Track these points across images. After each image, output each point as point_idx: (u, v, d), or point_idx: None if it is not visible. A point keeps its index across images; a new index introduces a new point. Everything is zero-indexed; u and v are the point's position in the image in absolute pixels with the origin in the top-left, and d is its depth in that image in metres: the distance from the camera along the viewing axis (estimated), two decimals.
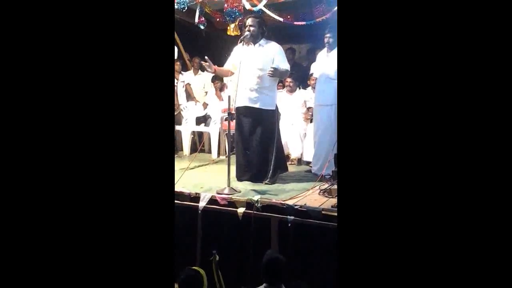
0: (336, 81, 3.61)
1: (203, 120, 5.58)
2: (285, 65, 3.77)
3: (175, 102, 5.54)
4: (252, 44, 3.80)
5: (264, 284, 2.40)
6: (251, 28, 3.75)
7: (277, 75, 3.73)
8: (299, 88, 5.18)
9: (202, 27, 5.19)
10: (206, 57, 3.72)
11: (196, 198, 3.42)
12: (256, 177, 3.79)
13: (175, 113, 5.38)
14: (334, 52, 4.01)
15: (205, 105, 5.76)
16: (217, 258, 2.56)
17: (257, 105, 3.76)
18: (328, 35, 4.08)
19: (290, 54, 5.84)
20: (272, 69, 3.64)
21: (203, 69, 6.05)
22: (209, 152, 5.33)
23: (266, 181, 3.74)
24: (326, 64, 4.13)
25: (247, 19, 3.86)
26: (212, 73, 3.82)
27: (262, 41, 3.81)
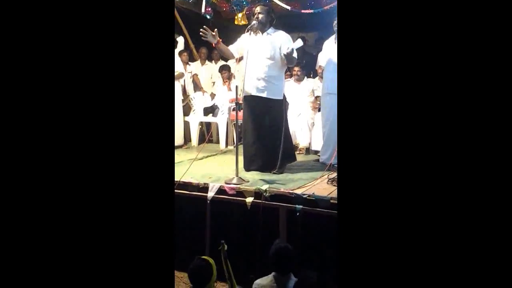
0: None
1: (210, 110, 5.58)
2: (294, 55, 3.73)
3: (186, 93, 5.54)
4: (260, 33, 3.77)
5: (272, 273, 2.41)
6: (260, 16, 3.71)
7: (291, 56, 3.63)
8: (307, 77, 5.15)
9: (208, 17, 5.17)
10: (215, 29, 3.66)
11: (204, 188, 3.43)
12: (264, 167, 3.79)
13: (183, 104, 5.38)
14: None
15: (212, 96, 5.76)
16: (226, 247, 2.57)
17: (264, 95, 3.74)
18: (336, 21, 4.04)
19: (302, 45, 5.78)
20: (290, 49, 3.55)
21: (210, 58, 6.09)
22: (217, 142, 5.34)
23: (274, 171, 3.74)
24: (334, 52, 4.08)
25: (256, 7, 3.83)
26: (214, 44, 3.73)
27: (270, 30, 3.77)
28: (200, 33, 3.63)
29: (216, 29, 3.67)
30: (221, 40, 3.73)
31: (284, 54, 3.60)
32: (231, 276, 2.53)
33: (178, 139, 5.14)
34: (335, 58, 4.04)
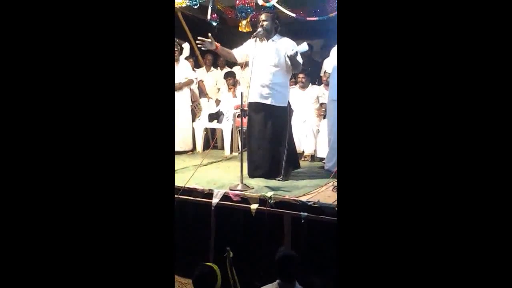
0: None
1: (215, 116, 5.59)
2: (298, 59, 3.73)
3: (193, 98, 5.55)
4: (266, 40, 3.78)
5: (277, 281, 2.40)
6: (265, 23, 3.74)
7: (296, 60, 3.65)
8: (312, 84, 5.15)
9: (214, 23, 5.19)
10: (209, 34, 3.69)
11: (209, 194, 3.42)
12: (268, 174, 3.78)
13: (191, 109, 5.39)
14: None
15: (217, 102, 5.77)
16: (231, 254, 2.56)
17: (268, 102, 3.75)
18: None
19: (308, 50, 5.80)
20: (294, 51, 3.57)
21: (210, 64, 6.12)
22: (222, 148, 5.34)
23: (278, 178, 3.73)
24: None
25: (261, 15, 3.85)
26: (214, 49, 3.78)
27: (275, 37, 3.78)
28: (198, 45, 3.69)
29: (210, 34, 3.69)
30: (219, 44, 3.76)
31: (288, 56, 3.60)
32: (236, 283, 2.52)
33: (187, 145, 5.15)
34: None
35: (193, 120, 5.43)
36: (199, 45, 3.69)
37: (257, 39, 3.75)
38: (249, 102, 3.80)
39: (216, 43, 3.71)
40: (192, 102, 5.59)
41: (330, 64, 4.30)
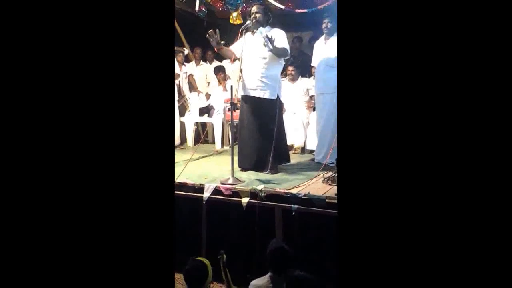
0: (335, 68, 3.56)
1: (206, 111, 5.57)
2: (282, 44, 3.67)
3: (181, 93, 5.52)
4: (256, 32, 3.76)
5: (269, 273, 2.41)
6: (257, 15, 3.72)
7: (272, 46, 3.56)
8: (302, 77, 5.14)
9: (202, 15, 5.15)
10: (217, 30, 3.68)
11: (200, 189, 3.42)
12: (256, 167, 3.80)
13: (179, 104, 5.36)
14: (332, 39, 3.98)
15: (207, 96, 5.74)
16: (224, 258, 2.56)
17: (257, 94, 3.74)
18: (326, 20, 4.04)
19: (296, 43, 5.79)
20: (265, 34, 3.53)
21: (207, 58, 6.08)
22: (213, 142, 5.33)
23: (266, 171, 3.74)
24: (324, 52, 4.09)
25: (252, 7, 3.83)
26: (217, 49, 3.78)
27: (266, 29, 3.75)
28: (207, 35, 3.66)
29: (218, 30, 3.69)
30: (223, 46, 3.77)
31: (263, 37, 3.56)
32: (230, 285, 2.53)
33: (175, 139, 5.13)
34: (326, 58, 4.04)
35: (182, 115, 5.41)
36: (207, 37, 3.67)
37: (245, 31, 3.72)
38: (242, 95, 3.81)
39: (221, 44, 3.71)
40: (182, 96, 5.57)
41: (315, 58, 4.30)
